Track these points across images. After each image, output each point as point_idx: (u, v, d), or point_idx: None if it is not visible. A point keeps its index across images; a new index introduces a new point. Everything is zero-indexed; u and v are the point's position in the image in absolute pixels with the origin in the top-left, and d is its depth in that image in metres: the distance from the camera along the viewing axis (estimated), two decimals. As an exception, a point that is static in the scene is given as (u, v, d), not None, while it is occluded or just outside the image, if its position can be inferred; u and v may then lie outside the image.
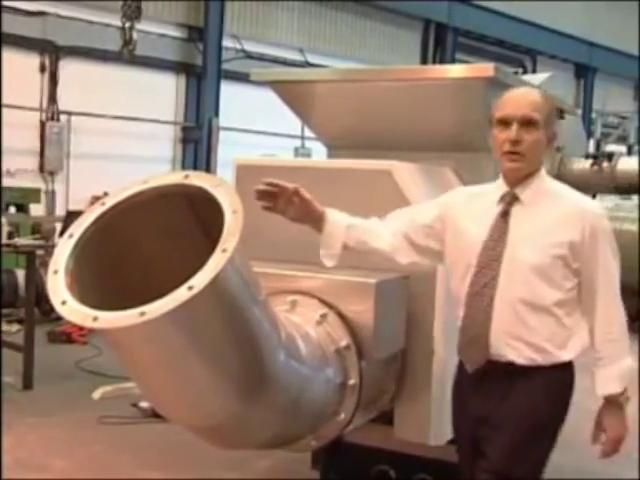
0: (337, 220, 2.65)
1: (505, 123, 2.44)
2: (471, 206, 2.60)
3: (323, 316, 3.00)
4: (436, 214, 2.66)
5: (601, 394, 2.52)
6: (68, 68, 10.58)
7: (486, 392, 2.52)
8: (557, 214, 2.45)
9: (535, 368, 2.47)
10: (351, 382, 2.97)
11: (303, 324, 2.93)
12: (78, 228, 2.24)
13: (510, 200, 2.50)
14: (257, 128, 12.41)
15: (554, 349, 2.47)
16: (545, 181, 2.54)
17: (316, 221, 2.65)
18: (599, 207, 2.54)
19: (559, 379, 2.54)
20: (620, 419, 2.53)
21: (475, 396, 2.55)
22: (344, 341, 2.97)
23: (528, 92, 2.54)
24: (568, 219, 2.44)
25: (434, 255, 2.70)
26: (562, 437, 2.68)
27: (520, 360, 2.46)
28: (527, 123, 2.42)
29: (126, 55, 9.93)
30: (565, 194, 2.54)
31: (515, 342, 2.45)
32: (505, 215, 2.49)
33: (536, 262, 2.41)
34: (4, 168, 9.23)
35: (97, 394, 5.62)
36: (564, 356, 2.49)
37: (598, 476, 4.61)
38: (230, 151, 9.97)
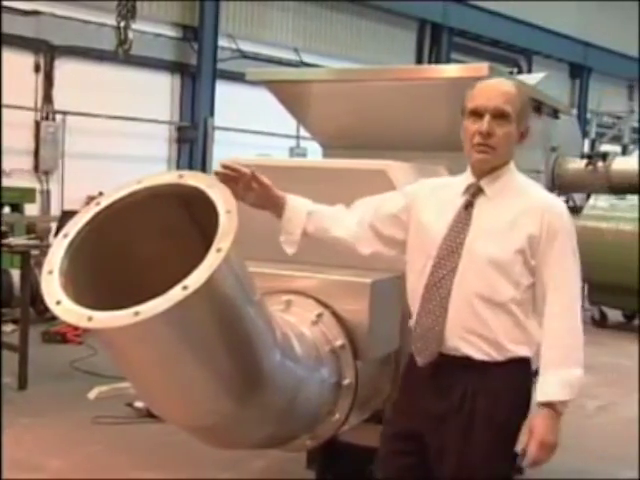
0: (297, 206, 2.58)
1: (477, 114, 2.39)
2: (436, 198, 2.54)
3: (318, 316, 3.00)
4: (403, 204, 2.59)
5: (539, 400, 2.38)
6: (63, 68, 10.57)
7: (442, 389, 2.44)
8: (519, 208, 2.41)
9: (492, 363, 2.40)
10: (346, 382, 2.97)
11: (298, 324, 2.93)
12: (72, 228, 2.24)
13: (475, 192, 2.45)
14: (252, 128, 12.41)
15: (511, 345, 2.40)
16: (512, 175, 2.49)
17: (276, 207, 2.58)
18: (562, 205, 2.49)
19: (518, 375, 2.45)
20: (552, 425, 2.37)
21: (429, 392, 2.47)
22: (339, 341, 2.97)
23: (501, 83, 2.47)
24: (529, 213, 2.40)
25: (399, 245, 2.62)
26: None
27: (477, 355, 2.39)
28: (499, 116, 2.37)
29: (121, 55, 9.92)
30: (529, 190, 2.50)
31: (471, 336, 2.39)
32: (469, 206, 2.44)
33: (494, 255, 2.36)
34: (-1, 168, 9.22)
35: (92, 394, 5.61)
36: (521, 351, 2.42)
37: (597, 476, 4.63)
38: (225, 151, 9.97)
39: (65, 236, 2.22)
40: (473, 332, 2.39)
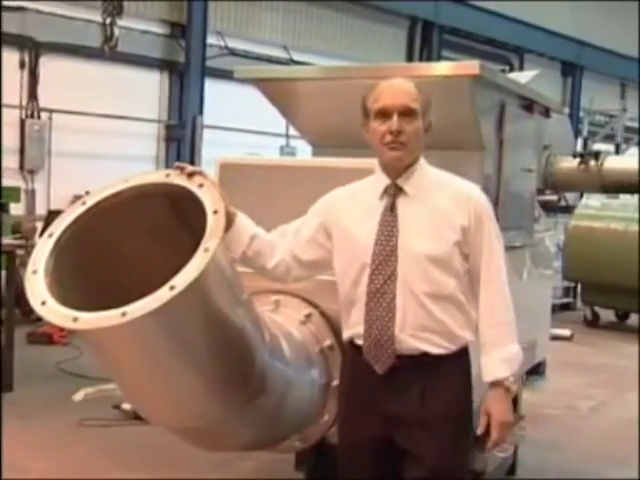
0: (245, 226, 2.55)
1: (384, 114, 2.44)
2: (353, 204, 2.57)
3: (307, 316, 3.01)
4: (317, 223, 2.61)
5: (487, 381, 2.48)
6: (49, 65, 10.52)
7: (400, 388, 2.46)
8: (445, 201, 2.47)
9: (447, 356, 2.46)
10: (335, 383, 2.97)
11: (287, 324, 2.93)
12: (58, 227, 2.24)
13: (394, 192, 2.49)
14: (242, 126, 12.39)
15: (460, 331, 2.48)
16: (426, 170, 2.54)
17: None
18: (479, 190, 2.56)
19: (465, 362, 2.55)
20: (506, 404, 2.49)
21: (386, 394, 2.48)
22: (328, 341, 2.98)
23: (403, 83, 2.53)
24: (456, 205, 2.46)
25: (322, 266, 2.65)
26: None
27: (434, 350, 2.44)
28: (406, 113, 2.43)
29: (107, 52, 9.88)
30: (448, 181, 2.55)
31: (426, 333, 2.43)
32: (392, 208, 2.47)
33: (433, 251, 2.41)
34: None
35: (78, 396, 5.60)
36: (468, 336, 2.51)
37: (590, 476, 4.65)
38: (214, 150, 9.94)
39: (50, 236, 2.22)
40: (427, 329, 2.44)
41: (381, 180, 2.52)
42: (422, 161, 2.55)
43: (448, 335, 2.46)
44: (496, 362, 2.47)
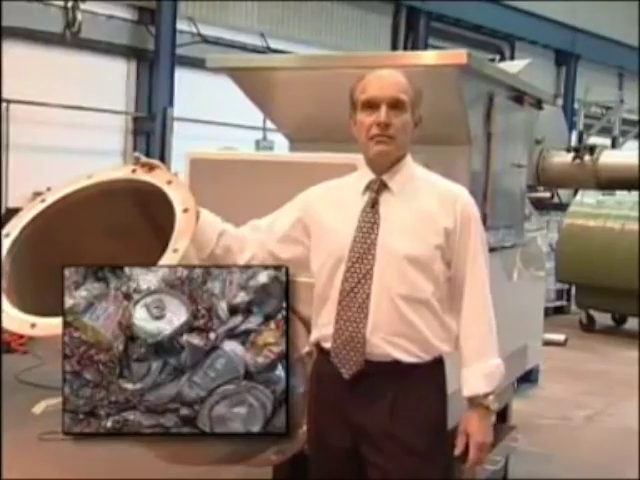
0: (211, 223, 2.56)
1: (372, 106, 2.45)
2: (333, 200, 2.59)
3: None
4: (293, 219, 2.63)
5: (466, 396, 2.50)
6: (5, 51, 10.44)
7: (368, 397, 2.47)
8: (430, 201, 2.49)
9: (420, 365, 2.46)
10: (314, 392, 2.97)
11: (262, 330, 2.93)
12: (15, 227, 2.24)
13: (378, 188, 2.50)
14: (215, 119, 12.37)
15: (437, 342, 2.49)
16: (412, 167, 2.57)
17: None
18: (467, 192, 2.58)
19: (440, 374, 2.56)
20: (485, 424, 2.50)
21: (353, 403, 2.48)
22: (307, 348, 2.98)
23: (393, 73, 2.54)
24: (441, 205, 2.48)
25: (300, 265, 2.64)
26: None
27: (406, 358, 2.44)
28: (395, 105, 2.45)
29: (69, 38, 9.82)
30: (435, 180, 2.58)
31: (399, 339, 2.43)
32: (374, 204, 2.49)
33: (413, 252, 2.43)
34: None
35: (38, 408, 5.56)
36: (445, 348, 2.52)
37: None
38: (185, 143, 9.92)
39: (7, 236, 2.22)
40: (400, 334, 2.44)
41: (365, 176, 2.54)
42: (409, 158, 2.56)
43: (422, 343, 2.46)
44: (476, 376, 2.48)
